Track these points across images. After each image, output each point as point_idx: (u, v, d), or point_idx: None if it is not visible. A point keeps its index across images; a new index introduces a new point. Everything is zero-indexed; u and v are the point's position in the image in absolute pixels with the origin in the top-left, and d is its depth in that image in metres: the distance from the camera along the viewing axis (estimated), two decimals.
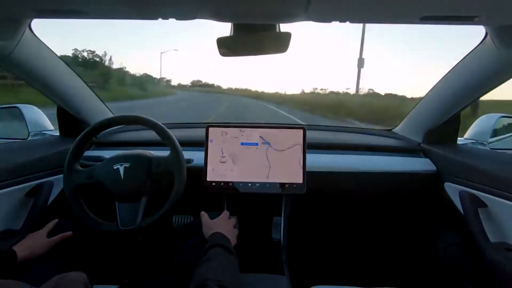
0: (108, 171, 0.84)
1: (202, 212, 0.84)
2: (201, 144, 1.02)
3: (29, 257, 0.70)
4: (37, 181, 0.93)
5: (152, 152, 0.93)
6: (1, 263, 0.66)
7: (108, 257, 1.00)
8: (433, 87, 1.08)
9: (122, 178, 0.83)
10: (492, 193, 0.84)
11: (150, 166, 0.85)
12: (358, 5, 0.57)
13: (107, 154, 0.91)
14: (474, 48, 0.84)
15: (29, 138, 1.23)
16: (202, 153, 1.01)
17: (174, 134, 0.87)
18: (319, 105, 14.05)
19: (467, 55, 0.89)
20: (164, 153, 0.90)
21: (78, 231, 0.83)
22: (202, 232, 0.79)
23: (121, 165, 0.84)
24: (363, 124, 8.31)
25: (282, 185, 0.99)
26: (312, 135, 1.16)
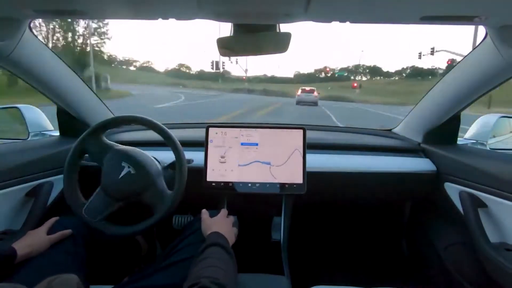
0: (113, 162, 0.84)
1: (204, 210, 0.85)
2: (201, 144, 1.02)
3: (29, 255, 0.70)
4: (37, 181, 0.93)
5: (153, 154, 0.93)
6: (2, 261, 0.66)
7: (107, 257, 1.00)
8: (433, 87, 1.08)
9: (120, 177, 0.83)
10: (492, 193, 0.84)
11: (147, 190, 0.84)
12: (358, 5, 0.57)
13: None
14: (474, 48, 0.84)
15: (29, 138, 1.23)
16: (202, 153, 1.01)
17: (174, 134, 0.87)
18: None
19: (467, 55, 0.89)
20: (166, 153, 0.90)
21: (78, 230, 0.83)
22: (200, 231, 0.79)
23: (128, 166, 0.84)
24: None
25: (282, 185, 0.99)
26: (312, 135, 1.16)
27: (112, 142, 0.90)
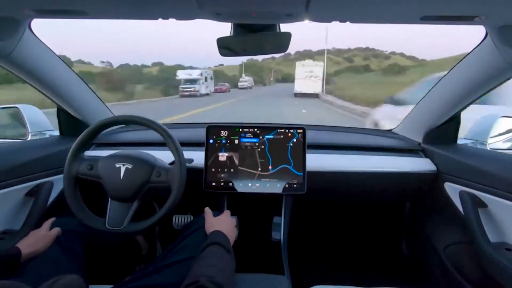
0: (109, 168, 0.84)
1: (207, 208, 0.85)
2: (201, 144, 1.03)
3: (32, 254, 0.71)
4: (37, 181, 0.93)
5: (154, 153, 0.93)
6: (7, 261, 0.66)
7: (107, 256, 1.00)
8: (433, 87, 1.08)
9: (121, 178, 0.83)
10: (492, 193, 0.84)
11: (151, 173, 0.85)
12: (358, 5, 0.57)
13: (107, 154, 0.91)
14: (474, 48, 0.84)
15: (29, 138, 1.23)
16: (202, 153, 1.01)
17: (174, 134, 0.87)
18: None
19: (467, 55, 0.89)
20: (166, 153, 0.90)
21: (76, 230, 0.83)
22: (202, 230, 0.79)
23: (123, 165, 0.84)
24: None
25: (282, 185, 0.99)
26: (312, 135, 1.16)
27: (88, 158, 0.89)
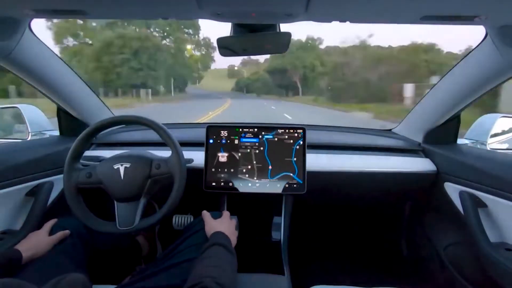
0: (108, 171, 0.84)
1: (204, 211, 0.85)
2: (201, 144, 1.03)
3: (32, 257, 0.71)
4: (37, 181, 0.93)
5: (153, 152, 0.93)
6: (7, 264, 0.66)
7: (108, 257, 1.00)
8: (433, 87, 1.08)
9: (122, 178, 0.83)
10: (492, 193, 0.84)
11: (150, 167, 0.85)
12: (358, 5, 0.57)
13: (107, 154, 0.91)
14: (474, 48, 0.84)
15: (29, 138, 1.23)
16: (202, 153, 1.01)
17: (174, 134, 0.87)
18: None
19: (467, 55, 0.89)
20: (165, 153, 0.90)
21: (77, 231, 0.83)
22: (203, 232, 0.79)
23: (121, 165, 0.84)
24: None
25: (283, 185, 0.99)
26: (312, 135, 1.16)
27: (85, 167, 0.88)
